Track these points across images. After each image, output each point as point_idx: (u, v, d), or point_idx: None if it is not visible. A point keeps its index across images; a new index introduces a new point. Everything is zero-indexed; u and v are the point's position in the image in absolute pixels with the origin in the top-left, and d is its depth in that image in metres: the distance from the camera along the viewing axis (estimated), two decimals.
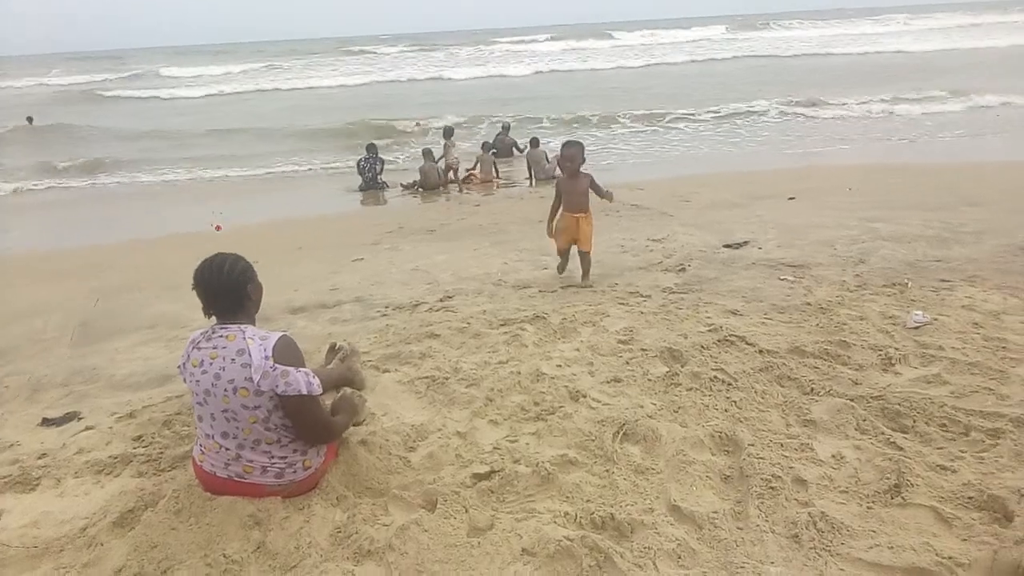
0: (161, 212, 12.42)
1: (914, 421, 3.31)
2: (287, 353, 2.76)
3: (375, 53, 60.02)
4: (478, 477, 3.08)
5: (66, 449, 3.71)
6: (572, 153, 5.87)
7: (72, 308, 6.58)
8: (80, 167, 16.90)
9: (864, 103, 19.40)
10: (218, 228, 12.42)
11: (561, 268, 6.36)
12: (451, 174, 13.63)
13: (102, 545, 2.75)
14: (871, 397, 3.54)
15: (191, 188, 14.90)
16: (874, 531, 2.59)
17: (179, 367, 2.89)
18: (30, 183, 15.46)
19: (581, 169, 5.90)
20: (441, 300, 5.92)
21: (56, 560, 2.74)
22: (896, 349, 4.11)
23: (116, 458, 3.51)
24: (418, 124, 21.27)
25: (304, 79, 41.56)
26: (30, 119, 23.07)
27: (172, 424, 3.85)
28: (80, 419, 4.13)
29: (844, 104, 19.67)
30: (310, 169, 16.29)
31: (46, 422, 4.11)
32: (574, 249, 6.14)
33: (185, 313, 5.97)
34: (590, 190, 5.95)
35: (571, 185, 5.94)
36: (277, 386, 2.68)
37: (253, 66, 50.67)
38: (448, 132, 14.10)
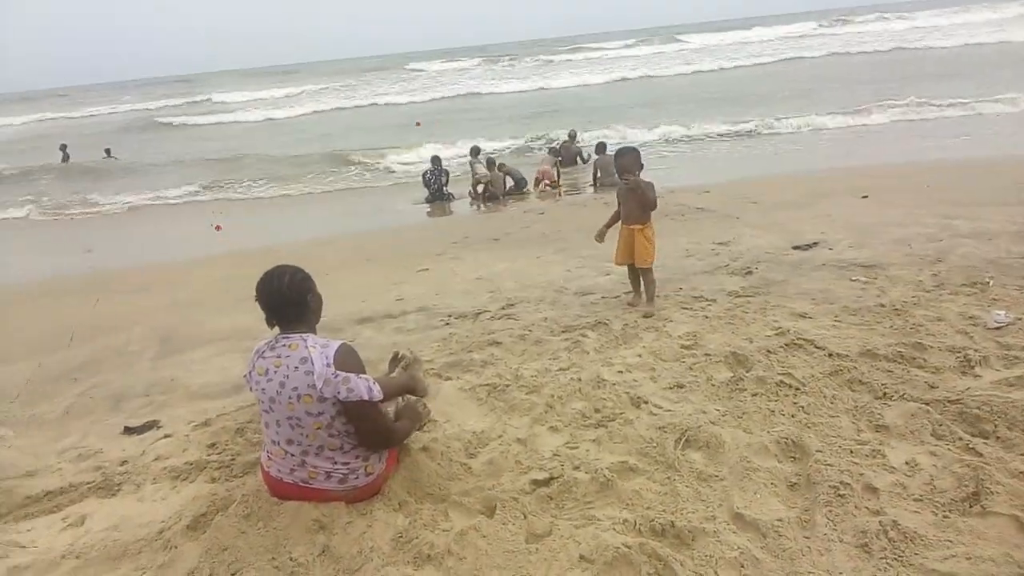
0: (231, 229, 12.84)
1: (995, 426, 3.15)
2: (347, 360, 2.83)
3: (422, 71, 59.86)
4: (537, 483, 3.08)
5: (145, 456, 3.88)
6: (624, 163, 5.28)
7: (153, 323, 6.87)
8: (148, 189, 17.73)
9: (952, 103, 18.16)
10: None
11: (634, 289, 5.66)
12: (476, 188, 13.69)
13: (176, 548, 2.87)
14: (948, 401, 3.39)
15: (259, 205, 15.40)
16: (950, 541, 2.49)
17: (246, 376, 2.99)
18: (115, 202, 16.27)
19: (641, 176, 5.37)
20: (503, 308, 5.95)
21: (135, 562, 2.88)
22: (976, 351, 3.92)
23: (191, 464, 3.66)
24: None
25: (373, 95, 42.23)
26: (108, 151, 24.20)
27: (244, 432, 3.99)
28: (159, 427, 4.32)
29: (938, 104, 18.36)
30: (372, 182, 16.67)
31: (127, 430, 4.31)
32: None
33: (257, 325, 6.05)
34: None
35: (628, 194, 5.39)
36: (339, 392, 2.75)
37: (317, 86, 51.78)
38: (475, 151, 14.13)
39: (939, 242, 6.47)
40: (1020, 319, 4.32)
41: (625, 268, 5.65)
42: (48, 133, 35.64)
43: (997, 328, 4.24)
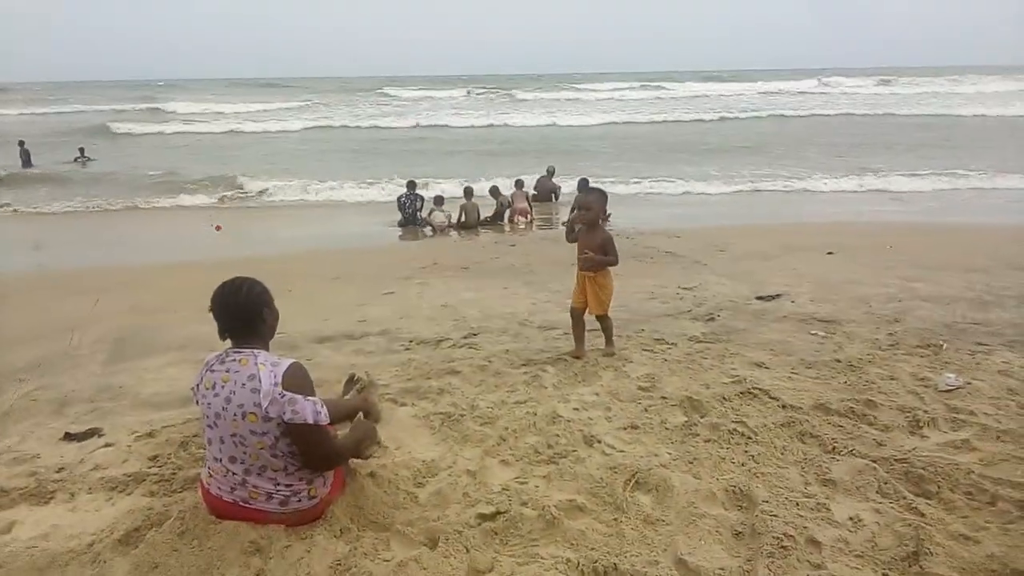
0: (201, 237, 12.71)
1: (939, 487, 3.19)
2: (297, 380, 2.78)
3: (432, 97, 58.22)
4: (483, 517, 3.04)
5: (83, 464, 3.76)
6: (587, 201, 5.05)
7: (109, 326, 6.72)
8: (128, 190, 17.40)
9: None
10: (218, 228, 12.70)
11: (575, 339, 5.28)
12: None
13: (105, 562, 2.77)
14: (895, 459, 3.43)
15: (231, 213, 15.26)
16: None
17: (193, 389, 2.93)
18: (83, 202, 15.99)
19: (602, 223, 5.15)
20: (466, 337, 5.92)
21: (60, 574, 2.76)
22: (925, 411, 3.98)
23: (130, 476, 3.56)
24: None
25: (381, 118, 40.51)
26: (82, 149, 23.81)
27: (188, 446, 3.89)
28: (101, 435, 4.19)
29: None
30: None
31: (68, 437, 4.18)
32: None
33: (214, 337, 6.02)
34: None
35: (586, 238, 5.05)
36: (284, 413, 2.70)
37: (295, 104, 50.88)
38: (438, 200, 13.96)
39: (898, 302, 6.60)
40: (970, 383, 4.40)
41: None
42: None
43: (948, 391, 4.31)
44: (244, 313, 2.86)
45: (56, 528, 3.09)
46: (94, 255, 11.16)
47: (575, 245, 5.16)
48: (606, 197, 5.17)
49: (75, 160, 23.11)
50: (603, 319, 5.28)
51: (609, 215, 5.25)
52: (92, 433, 4.21)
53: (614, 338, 5.35)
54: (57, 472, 3.67)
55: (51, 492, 3.43)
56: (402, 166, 20.23)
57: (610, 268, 5.13)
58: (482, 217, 13.75)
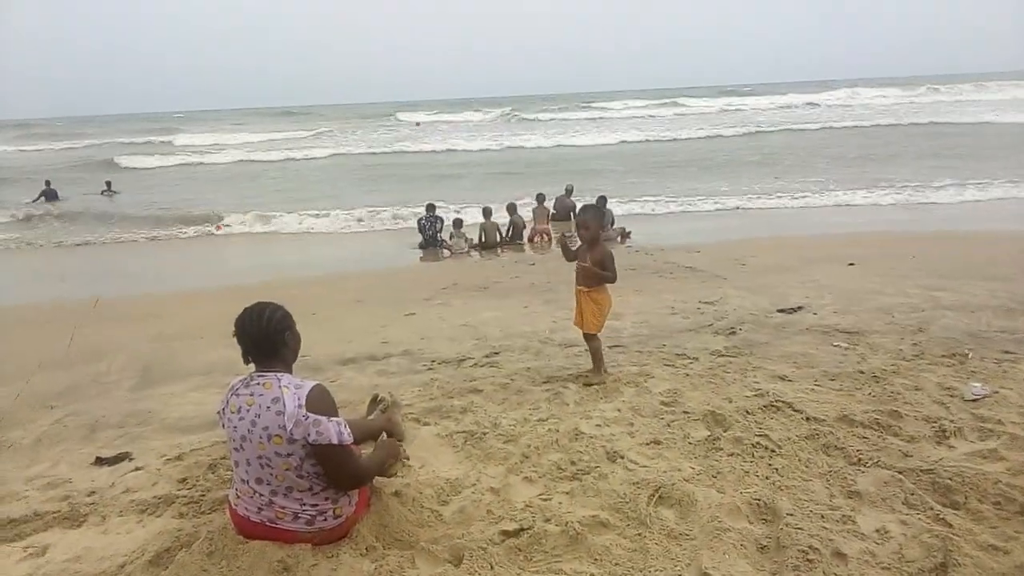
0: (224, 263, 12.89)
1: (966, 497, 3.16)
2: (320, 402, 2.83)
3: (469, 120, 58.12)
4: (507, 534, 3.06)
5: (114, 488, 3.83)
6: (583, 220, 4.99)
7: (135, 353, 6.84)
8: (151, 221, 17.64)
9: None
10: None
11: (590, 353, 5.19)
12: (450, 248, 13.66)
13: None
14: (921, 470, 3.39)
15: (256, 240, 15.45)
16: None
17: (219, 412, 2.99)
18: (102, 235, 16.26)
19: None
20: (487, 356, 5.96)
21: None
22: (951, 421, 3.94)
23: (160, 499, 3.63)
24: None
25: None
26: (108, 183, 24.33)
27: (216, 468, 3.95)
28: (131, 459, 4.27)
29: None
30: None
31: (99, 461, 4.27)
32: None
33: (239, 361, 6.12)
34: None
35: (585, 256, 5.00)
36: (309, 434, 2.74)
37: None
38: (458, 223, 14.04)
39: (922, 312, 6.54)
40: (997, 392, 4.35)
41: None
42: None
43: (974, 400, 4.27)
44: (267, 338, 2.92)
45: (89, 550, 3.16)
46: (117, 284, 11.34)
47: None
48: (602, 214, 5.10)
49: (102, 193, 23.65)
50: (591, 340, 5.12)
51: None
52: (122, 457, 4.29)
53: (603, 366, 5.13)
54: (89, 496, 3.74)
55: (83, 515, 3.51)
56: (409, 191, 20.52)
57: (608, 286, 5.04)
58: (502, 237, 13.84)
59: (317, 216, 17.41)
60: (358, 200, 19.53)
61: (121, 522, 3.44)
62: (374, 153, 36.62)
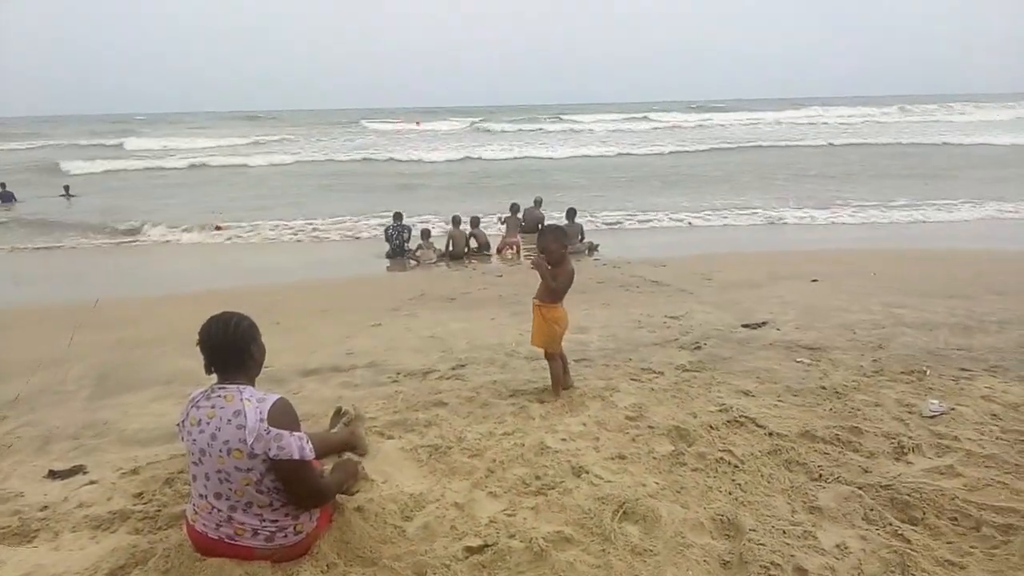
0: (189, 271, 12.69)
1: (924, 513, 3.21)
2: (283, 416, 2.78)
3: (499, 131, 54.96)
4: (471, 550, 3.03)
5: (67, 502, 3.72)
6: (543, 244, 4.93)
7: (93, 361, 6.68)
8: (118, 226, 17.28)
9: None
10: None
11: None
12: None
13: None
14: (881, 486, 3.45)
15: (216, 248, 15.24)
16: None
17: (178, 425, 2.92)
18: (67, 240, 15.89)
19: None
20: (453, 368, 5.93)
21: None
22: (910, 438, 4.01)
23: (115, 514, 3.52)
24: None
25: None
26: (67, 187, 23.85)
27: (174, 482, 3.86)
28: (85, 473, 4.15)
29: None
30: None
31: (52, 474, 4.14)
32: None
33: (201, 372, 6.00)
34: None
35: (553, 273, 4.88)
36: (270, 449, 2.70)
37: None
38: (426, 234, 14.00)
39: (882, 329, 6.66)
40: (954, 409, 4.43)
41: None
42: None
43: (932, 417, 4.35)
44: (231, 348, 2.86)
45: (39, 568, 3.05)
46: (74, 289, 11.10)
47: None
48: (563, 234, 5.02)
49: (60, 196, 23.17)
50: (549, 360, 5.05)
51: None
52: (76, 470, 4.18)
53: (560, 388, 5.02)
54: (41, 511, 3.63)
55: (35, 531, 3.40)
56: (372, 200, 20.38)
57: (565, 306, 4.96)
58: (469, 247, 13.81)
59: (275, 227, 17.12)
60: (320, 209, 19.36)
61: (74, 538, 3.34)
62: (337, 161, 36.03)
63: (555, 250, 4.86)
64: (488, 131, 54.45)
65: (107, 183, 28.17)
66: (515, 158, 35.75)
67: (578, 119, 63.54)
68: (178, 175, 31.23)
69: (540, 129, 54.34)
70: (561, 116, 68.59)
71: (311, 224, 17.30)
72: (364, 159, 36.40)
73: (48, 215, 19.55)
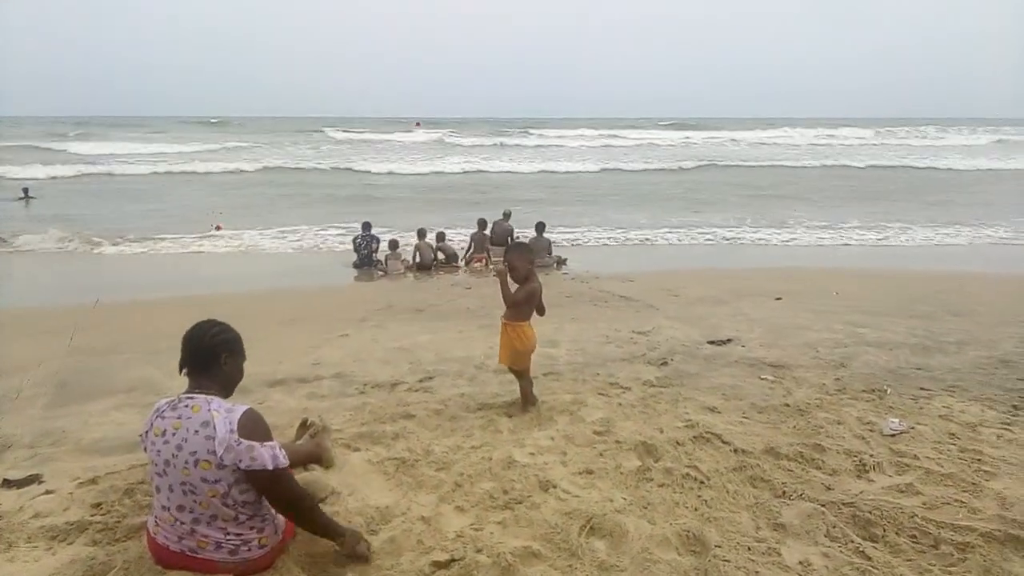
0: (151, 278, 12.47)
1: (884, 530, 3.27)
2: (253, 426, 2.75)
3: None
4: (437, 565, 3.01)
5: (23, 512, 3.61)
6: (510, 261, 4.91)
7: (53, 367, 6.52)
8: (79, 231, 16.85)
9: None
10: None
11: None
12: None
13: None
14: (843, 503, 3.50)
15: (186, 252, 15.01)
16: None
17: (141, 436, 2.86)
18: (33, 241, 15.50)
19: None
20: (421, 380, 5.90)
21: None
22: (871, 456, 4.08)
23: (72, 524, 3.43)
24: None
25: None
26: (26, 190, 23.29)
27: (134, 493, 3.77)
28: (41, 482, 4.04)
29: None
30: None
31: (6, 483, 4.02)
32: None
33: (164, 380, 5.94)
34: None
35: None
36: (241, 460, 2.66)
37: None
38: (393, 244, 13.98)
39: (844, 348, 6.78)
40: (913, 428, 4.53)
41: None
42: None
43: (892, 435, 4.43)
44: (203, 352, 2.87)
45: None
46: (33, 295, 10.85)
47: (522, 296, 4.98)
48: (528, 250, 5.05)
49: (18, 199, 22.57)
50: (518, 376, 5.05)
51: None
52: (32, 480, 4.06)
53: (528, 406, 5.01)
54: None
55: None
56: (333, 211, 20.10)
57: (529, 325, 4.91)
58: (436, 259, 13.78)
59: (239, 235, 16.75)
60: (284, 218, 19.06)
61: (29, 549, 3.24)
62: (303, 169, 35.31)
63: (520, 267, 4.85)
64: (454, 144, 53.95)
65: (57, 188, 26.96)
66: (478, 171, 35.61)
67: (545, 133, 63.84)
68: (140, 181, 30.32)
69: (499, 144, 53.60)
70: (529, 130, 68.74)
71: (263, 234, 16.94)
72: (332, 168, 35.97)
73: (6, 216, 19.08)
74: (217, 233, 13.39)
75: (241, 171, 33.94)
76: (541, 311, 5.02)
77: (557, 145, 53.62)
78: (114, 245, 15.39)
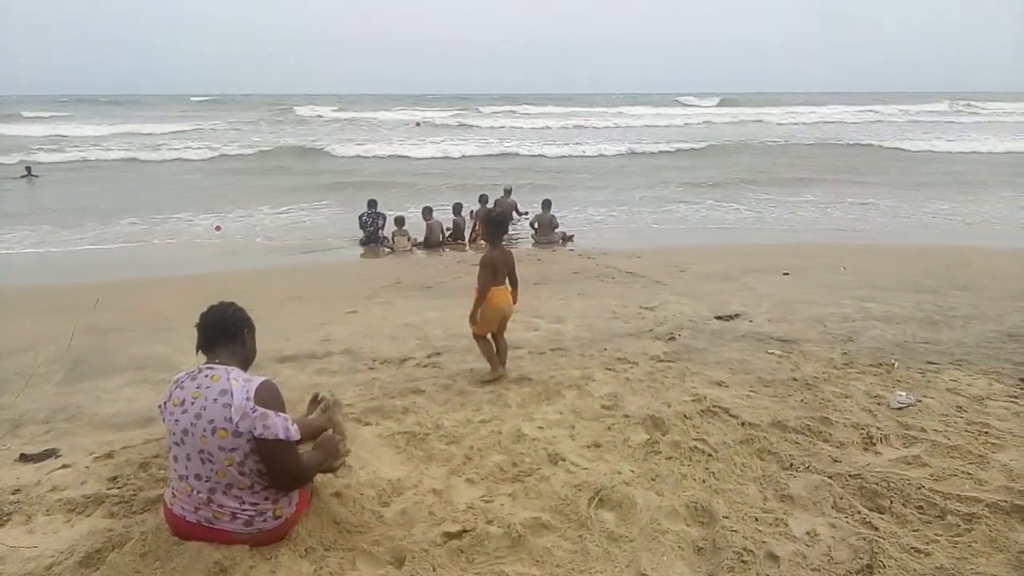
0: (157, 258, 12.50)
1: (891, 502, 3.30)
2: (268, 397, 2.81)
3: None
4: (449, 536, 3.06)
5: (40, 486, 3.69)
6: (475, 221, 5.24)
7: (66, 344, 6.59)
8: (88, 214, 16.85)
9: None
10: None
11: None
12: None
13: None
14: (850, 475, 3.53)
15: (190, 232, 15.02)
16: None
17: (160, 406, 2.92)
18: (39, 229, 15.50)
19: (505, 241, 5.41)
20: (429, 356, 5.95)
21: None
22: (878, 429, 4.11)
23: (89, 497, 3.50)
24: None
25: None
26: (29, 168, 23.30)
27: (149, 467, 3.84)
28: (58, 456, 4.12)
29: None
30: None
31: (24, 458, 4.10)
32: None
33: (175, 356, 5.98)
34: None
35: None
36: (255, 428, 2.71)
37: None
38: (399, 221, 13.93)
39: (852, 322, 6.79)
40: (920, 401, 4.55)
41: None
42: None
43: (899, 408, 4.46)
44: (225, 326, 2.99)
45: (13, 551, 3.03)
46: (48, 274, 10.91)
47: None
48: (486, 217, 5.56)
49: (22, 177, 22.62)
50: (493, 339, 5.38)
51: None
52: (49, 454, 4.14)
53: (493, 368, 5.27)
54: (13, 494, 3.59)
55: (7, 514, 3.37)
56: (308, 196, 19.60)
57: (486, 291, 5.24)
58: (443, 236, 13.79)
59: (242, 216, 16.65)
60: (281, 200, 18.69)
61: (48, 521, 3.32)
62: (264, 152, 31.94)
63: (481, 229, 5.09)
64: (468, 124, 49.18)
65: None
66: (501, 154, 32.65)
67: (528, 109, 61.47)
68: (115, 166, 27.95)
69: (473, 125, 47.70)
70: (515, 110, 66.06)
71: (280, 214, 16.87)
72: (310, 148, 32.89)
73: (16, 194, 19.08)
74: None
75: (235, 155, 31.21)
76: (512, 281, 5.36)
77: (582, 125, 48.96)
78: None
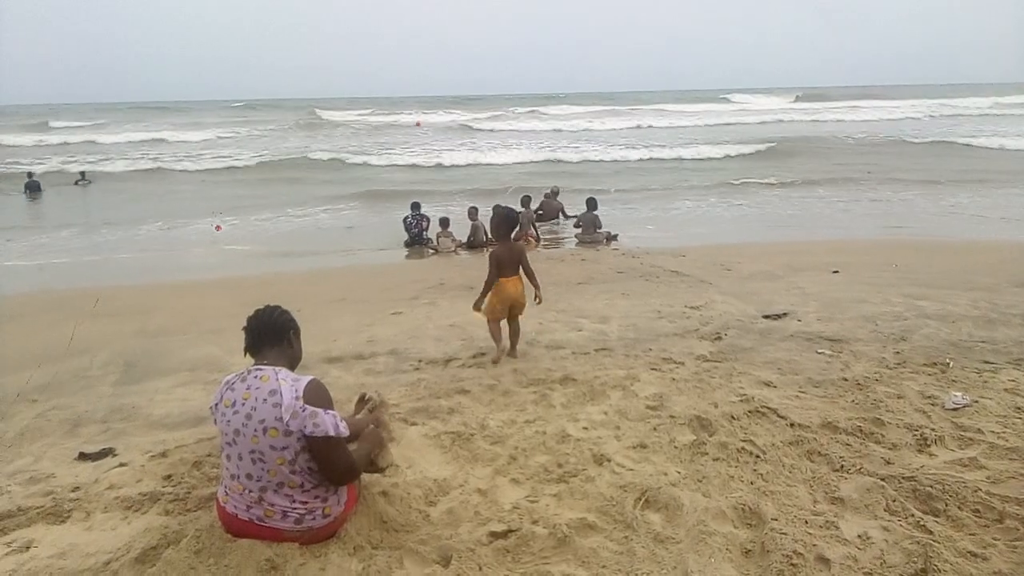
0: (196, 261, 12.77)
1: (946, 505, 3.22)
2: (317, 395, 2.86)
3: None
4: (495, 536, 3.08)
5: (98, 484, 3.81)
6: (494, 226, 6.11)
7: (119, 347, 6.79)
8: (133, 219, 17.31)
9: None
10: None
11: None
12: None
13: None
14: (903, 478, 3.45)
15: (235, 234, 15.32)
16: None
17: (211, 408, 2.99)
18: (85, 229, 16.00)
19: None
20: (474, 356, 5.97)
21: None
22: (932, 430, 4.01)
23: (145, 495, 3.61)
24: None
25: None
26: (82, 173, 24.06)
27: (202, 465, 3.94)
28: (115, 455, 4.25)
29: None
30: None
31: (82, 456, 4.24)
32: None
33: (224, 357, 6.12)
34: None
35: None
36: (305, 426, 2.77)
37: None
38: (444, 222, 13.92)
39: (904, 321, 6.62)
40: (977, 402, 4.42)
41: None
42: None
43: (955, 409, 4.34)
44: (272, 329, 3.06)
45: (73, 547, 3.14)
46: (97, 276, 11.22)
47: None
48: (494, 217, 6.14)
49: (76, 183, 23.37)
50: (507, 325, 6.00)
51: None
52: (106, 453, 4.27)
53: (501, 346, 5.89)
54: (73, 491, 3.72)
55: (67, 511, 3.49)
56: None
57: (492, 283, 5.82)
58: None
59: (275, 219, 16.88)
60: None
61: (106, 518, 3.43)
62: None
63: (492, 227, 5.95)
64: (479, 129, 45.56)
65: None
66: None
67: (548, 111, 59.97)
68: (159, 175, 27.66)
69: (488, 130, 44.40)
70: (538, 109, 64.07)
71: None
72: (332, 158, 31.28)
73: (72, 200, 19.72)
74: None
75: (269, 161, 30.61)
76: (527, 272, 5.98)
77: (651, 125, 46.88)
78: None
